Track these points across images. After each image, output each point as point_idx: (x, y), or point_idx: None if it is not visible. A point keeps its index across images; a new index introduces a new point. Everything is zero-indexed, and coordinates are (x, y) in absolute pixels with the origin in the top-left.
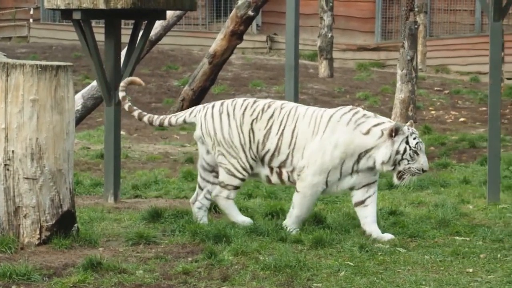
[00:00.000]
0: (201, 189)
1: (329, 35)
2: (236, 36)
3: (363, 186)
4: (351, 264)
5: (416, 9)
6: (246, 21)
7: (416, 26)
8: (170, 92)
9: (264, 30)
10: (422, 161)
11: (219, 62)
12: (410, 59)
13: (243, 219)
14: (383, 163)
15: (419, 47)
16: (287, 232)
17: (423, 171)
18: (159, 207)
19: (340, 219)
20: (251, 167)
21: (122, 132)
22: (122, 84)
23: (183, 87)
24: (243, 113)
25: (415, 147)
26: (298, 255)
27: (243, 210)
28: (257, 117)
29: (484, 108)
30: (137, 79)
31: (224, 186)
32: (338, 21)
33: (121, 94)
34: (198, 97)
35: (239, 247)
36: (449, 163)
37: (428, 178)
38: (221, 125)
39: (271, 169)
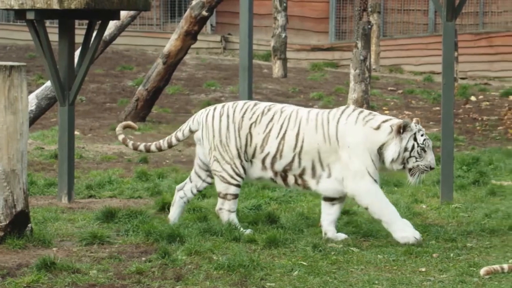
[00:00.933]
0: (191, 181)
1: (283, 35)
2: (190, 36)
3: None
4: (305, 263)
5: (370, 9)
6: (200, 21)
7: (369, 26)
8: (124, 92)
9: (219, 30)
10: (430, 158)
11: (173, 62)
12: (363, 59)
13: (245, 232)
14: (392, 161)
15: (373, 47)
16: (410, 247)
17: (431, 168)
18: (113, 207)
19: (294, 218)
20: (245, 171)
21: (76, 132)
22: (118, 129)
23: (137, 87)
24: (243, 116)
25: (422, 144)
26: (251, 254)
27: (197, 210)
28: (256, 121)
29: (437, 108)
30: (132, 124)
31: (223, 196)
32: (292, 21)
33: (120, 137)
34: (152, 97)
35: (193, 247)
36: None
37: (382, 177)
38: (219, 128)
39: (275, 173)
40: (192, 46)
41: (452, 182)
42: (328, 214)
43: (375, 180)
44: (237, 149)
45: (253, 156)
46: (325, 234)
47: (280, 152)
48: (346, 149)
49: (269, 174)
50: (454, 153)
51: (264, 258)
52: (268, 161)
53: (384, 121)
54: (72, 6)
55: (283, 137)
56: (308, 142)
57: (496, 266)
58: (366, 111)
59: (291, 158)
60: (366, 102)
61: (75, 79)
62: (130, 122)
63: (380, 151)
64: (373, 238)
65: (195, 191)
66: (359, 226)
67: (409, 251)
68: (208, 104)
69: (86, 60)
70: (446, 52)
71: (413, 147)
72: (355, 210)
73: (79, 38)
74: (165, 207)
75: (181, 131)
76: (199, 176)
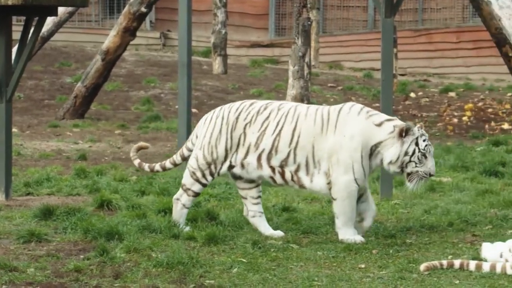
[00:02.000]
0: (245, 198)
1: (223, 31)
2: (129, 32)
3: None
4: (244, 260)
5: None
6: (139, 18)
7: (309, 23)
8: (63, 89)
9: (158, 27)
10: (430, 165)
11: (112, 59)
12: (302, 55)
13: (186, 229)
14: (390, 162)
15: (312, 44)
16: (352, 244)
17: (430, 175)
18: (51, 204)
19: (233, 215)
20: (218, 173)
21: (14, 129)
22: (132, 154)
23: (76, 84)
24: (237, 118)
25: (424, 150)
26: (190, 252)
27: (136, 208)
28: (251, 121)
29: (377, 104)
30: (143, 144)
31: (186, 190)
32: (232, 18)
33: (136, 162)
34: (91, 94)
35: (132, 244)
36: None
37: None
38: (212, 129)
39: (273, 169)
40: (131, 42)
41: (391, 179)
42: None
43: (355, 180)
44: (226, 150)
45: (246, 155)
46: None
47: (276, 148)
48: (340, 137)
49: (266, 171)
50: None
51: (203, 255)
52: (263, 157)
53: (388, 120)
54: (9, 2)
55: (279, 133)
56: (304, 136)
57: (435, 262)
58: (369, 108)
59: (286, 154)
60: (306, 99)
61: (12, 76)
62: (141, 144)
63: (374, 148)
64: (313, 235)
65: (255, 201)
66: (299, 222)
67: (348, 247)
68: (148, 100)
69: (23, 56)
70: (385, 49)
71: (414, 152)
72: (295, 206)
73: (16, 35)
74: (103, 205)
75: (190, 141)
76: (243, 189)
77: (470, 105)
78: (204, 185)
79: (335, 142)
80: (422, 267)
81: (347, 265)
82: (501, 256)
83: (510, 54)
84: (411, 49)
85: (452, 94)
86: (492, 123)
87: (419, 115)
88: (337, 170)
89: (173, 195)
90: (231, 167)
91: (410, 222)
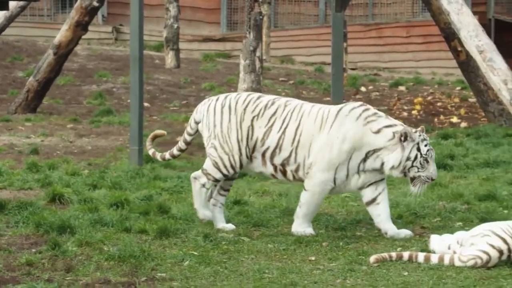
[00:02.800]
0: (215, 185)
1: (175, 26)
2: (81, 27)
3: (371, 184)
4: (196, 253)
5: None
6: (91, 12)
7: (260, 17)
8: (15, 83)
9: (110, 21)
10: (432, 169)
11: (64, 53)
12: (253, 49)
13: (204, 212)
14: (392, 168)
15: (264, 38)
16: (302, 237)
17: (432, 179)
18: (3, 198)
19: (185, 209)
20: (241, 166)
21: None
22: (148, 143)
23: (28, 78)
24: (245, 109)
25: (426, 155)
26: (142, 245)
27: (88, 201)
28: (258, 114)
29: (328, 98)
30: (159, 132)
31: (206, 174)
32: (184, 12)
33: (150, 152)
34: (43, 88)
35: (83, 238)
36: None
37: None
38: (221, 119)
39: (275, 167)
40: (83, 37)
41: None
42: (378, 215)
43: (334, 179)
44: (238, 142)
45: (254, 150)
46: (386, 233)
47: (280, 146)
48: (332, 137)
49: (269, 169)
50: None
51: (155, 249)
52: (268, 155)
53: (386, 126)
54: None
55: (284, 132)
56: (305, 135)
57: (385, 254)
58: (372, 110)
59: (289, 153)
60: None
61: None
62: (156, 132)
63: (372, 153)
64: (264, 228)
65: (222, 192)
66: (250, 215)
67: (299, 240)
68: (100, 95)
69: None
70: (335, 43)
71: (415, 157)
72: (246, 200)
73: None
74: (55, 198)
75: (189, 125)
76: None
77: (420, 99)
78: (225, 176)
79: (327, 142)
80: (372, 259)
81: (297, 257)
82: (449, 248)
83: (459, 49)
84: (362, 43)
85: (402, 88)
86: (441, 117)
87: None
88: (320, 165)
89: (124, 189)
90: (247, 157)
91: (360, 215)
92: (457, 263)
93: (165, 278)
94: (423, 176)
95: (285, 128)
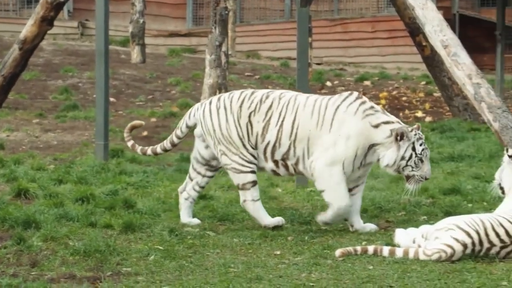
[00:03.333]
0: (191, 179)
1: (141, 21)
2: (46, 22)
3: None
4: (161, 248)
5: None
6: (56, 7)
7: (226, 12)
8: None
9: (76, 16)
10: (426, 169)
11: (29, 48)
12: (219, 44)
13: (272, 221)
14: (387, 166)
15: (229, 33)
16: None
17: (426, 179)
18: None
19: (151, 203)
20: (254, 157)
21: None
22: (125, 134)
23: None
24: (240, 106)
25: (420, 154)
26: (107, 240)
27: (53, 196)
28: (255, 109)
29: None
30: (137, 122)
31: (242, 187)
32: (150, 7)
33: (129, 143)
34: (8, 84)
35: (49, 233)
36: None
37: None
38: (219, 121)
39: (276, 162)
40: (49, 32)
41: None
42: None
43: (344, 172)
44: (240, 139)
45: (256, 146)
46: (352, 225)
47: (279, 140)
48: (335, 135)
49: (270, 165)
50: None
51: (120, 243)
52: (268, 151)
53: (385, 122)
54: None
55: (281, 125)
56: (301, 128)
57: (350, 248)
58: (368, 104)
59: (287, 147)
60: (224, 87)
61: None
62: (134, 123)
63: (372, 147)
64: (229, 222)
65: (197, 188)
66: (216, 210)
67: (264, 234)
68: (66, 90)
69: None
70: (301, 38)
71: (410, 157)
72: (211, 194)
73: None
74: (21, 193)
75: (179, 129)
76: (198, 173)
77: (385, 93)
78: (252, 172)
79: (327, 141)
80: (337, 253)
81: (262, 251)
82: (414, 242)
83: (424, 44)
84: (327, 38)
85: (367, 82)
86: (406, 111)
87: None
88: (325, 163)
89: (90, 184)
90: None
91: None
92: (422, 256)
93: (130, 273)
94: (417, 176)
95: (282, 122)
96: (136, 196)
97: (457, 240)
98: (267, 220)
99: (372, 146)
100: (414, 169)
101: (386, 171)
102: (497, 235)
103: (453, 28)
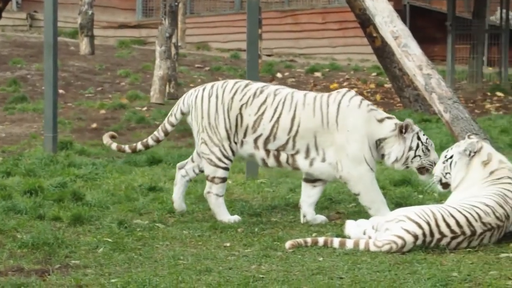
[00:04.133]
0: (193, 161)
1: (90, 12)
2: None
3: None
4: (110, 240)
5: None
6: None
7: (176, 4)
8: None
9: (24, 8)
10: (434, 156)
11: None
12: (169, 36)
13: (230, 218)
14: (396, 160)
15: (179, 25)
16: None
17: (434, 163)
18: None
19: (100, 196)
20: (233, 153)
21: None
22: (105, 141)
23: None
24: (232, 98)
25: (426, 143)
26: (56, 232)
27: (1, 189)
28: (247, 102)
29: None
30: (112, 133)
31: (212, 179)
32: None
33: (114, 146)
34: None
35: None
36: None
37: (188, 154)
38: (208, 109)
39: (268, 151)
40: None
41: None
42: (309, 197)
43: (371, 168)
44: (226, 131)
45: (245, 135)
46: (304, 216)
47: (274, 134)
48: (344, 132)
49: (261, 154)
50: None
51: (69, 236)
52: (260, 141)
53: (388, 117)
54: None
55: (277, 121)
56: (304, 126)
57: (300, 240)
58: (367, 101)
59: (285, 141)
60: (173, 79)
61: None
62: (110, 133)
63: (378, 143)
64: (179, 214)
65: (197, 170)
66: (165, 202)
67: (214, 226)
68: (14, 81)
69: None
70: (250, 29)
71: (417, 146)
72: (161, 186)
73: None
74: None
75: (173, 115)
76: (202, 157)
77: (335, 85)
78: (225, 169)
79: (340, 140)
80: (287, 244)
81: (212, 243)
82: (364, 233)
83: (374, 35)
84: (278, 29)
85: (318, 74)
86: None
87: None
88: (351, 165)
89: (38, 176)
90: (239, 144)
91: (276, 201)
92: (372, 248)
93: (79, 265)
94: (427, 164)
95: (278, 118)
96: (85, 189)
97: (407, 231)
98: (224, 217)
99: (379, 143)
100: (422, 158)
101: (394, 167)
102: (448, 226)
103: (403, 19)
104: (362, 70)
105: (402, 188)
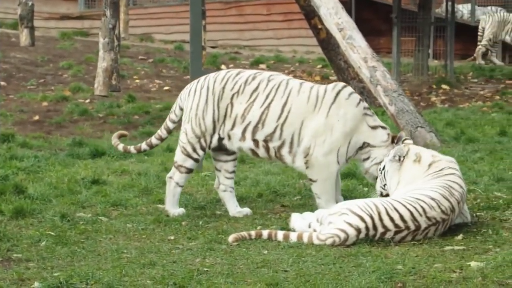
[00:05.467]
0: (219, 170)
1: (30, 3)
2: None
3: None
4: (53, 234)
5: None
6: None
7: None
8: None
9: None
10: None
11: None
12: (112, 27)
13: (175, 211)
14: (375, 165)
15: (122, 16)
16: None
17: None
18: None
19: (42, 189)
20: (210, 146)
21: None
22: (114, 141)
23: None
24: (223, 88)
25: None
26: None
27: None
28: (238, 91)
29: (188, 77)
30: (123, 132)
31: (178, 167)
32: None
33: (120, 147)
34: None
35: None
36: (154, 131)
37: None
38: (198, 101)
39: (256, 142)
40: None
41: None
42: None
43: (338, 162)
44: (214, 122)
45: (233, 126)
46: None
47: (263, 121)
48: (333, 120)
49: (248, 144)
50: None
51: (10, 229)
52: (249, 130)
53: (382, 127)
54: None
55: (268, 107)
56: (294, 113)
57: (244, 233)
58: (364, 102)
59: (273, 129)
60: (116, 71)
61: None
62: (120, 132)
63: (364, 146)
64: (122, 207)
65: (229, 175)
66: (108, 195)
67: (158, 219)
68: None
69: None
70: (194, 21)
71: None
72: (104, 179)
73: None
74: None
75: (173, 112)
76: (219, 160)
77: None
78: (196, 160)
79: (326, 125)
80: (231, 238)
81: (156, 237)
82: (309, 227)
83: (319, 27)
84: (222, 21)
85: (263, 66)
86: None
87: None
88: (320, 150)
89: None
90: (220, 139)
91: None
92: (316, 241)
93: (21, 259)
94: None
95: (269, 103)
96: (27, 182)
97: (350, 224)
98: (172, 208)
99: (367, 146)
100: None
101: (369, 171)
102: (391, 220)
103: (349, 11)
104: (307, 62)
105: (347, 181)
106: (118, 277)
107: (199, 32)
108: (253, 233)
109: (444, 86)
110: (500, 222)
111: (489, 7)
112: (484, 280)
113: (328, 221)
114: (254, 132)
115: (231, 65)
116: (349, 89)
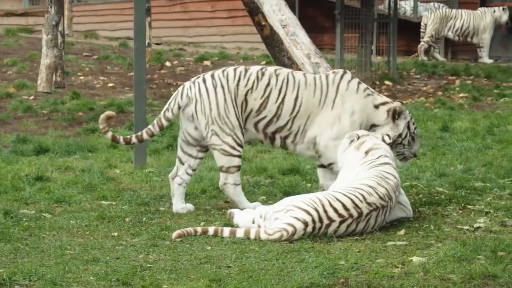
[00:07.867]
0: (182, 163)
1: None
2: None
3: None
4: None
5: None
6: None
7: None
8: None
9: None
10: (416, 147)
11: None
12: (55, 24)
13: (252, 205)
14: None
15: (66, 13)
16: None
17: (415, 156)
18: None
19: None
20: (243, 140)
21: None
22: (101, 125)
23: None
24: (237, 85)
25: (413, 133)
26: None
27: None
28: (252, 87)
29: (132, 73)
30: (110, 113)
31: (226, 170)
32: None
33: (109, 135)
34: None
35: None
36: (97, 128)
37: (76, 143)
38: (216, 100)
39: (265, 134)
40: None
41: (145, 147)
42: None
43: None
44: (237, 118)
45: (245, 121)
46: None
47: (279, 115)
48: (338, 112)
49: (259, 136)
50: (147, 118)
51: None
52: (262, 124)
53: (382, 103)
54: None
55: (282, 101)
56: (304, 106)
57: (189, 229)
58: (363, 84)
59: (285, 121)
60: (60, 68)
61: None
62: (108, 113)
63: (372, 128)
64: (66, 204)
65: (190, 171)
66: (52, 192)
67: (101, 216)
68: None
69: None
70: (138, 17)
71: (406, 135)
72: (48, 176)
73: None
74: None
75: (170, 110)
76: (190, 155)
77: None
78: (239, 157)
79: (334, 117)
80: (175, 234)
81: (100, 233)
82: (253, 222)
83: (263, 23)
84: (167, 18)
85: (207, 62)
86: None
87: (174, 83)
88: (328, 135)
89: None
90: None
91: (164, 190)
92: (263, 236)
93: None
94: (407, 153)
95: (283, 98)
96: None
97: (297, 218)
98: (246, 204)
99: (373, 127)
100: (405, 147)
101: None
102: (335, 210)
103: (292, 8)
104: (251, 59)
105: (290, 177)
106: (62, 274)
107: (143, 29)
108: (199, 229)
109: (387, 82)
110: (442, 217)
111: (431, 4)
112: (426, 275)
113: (274, 217)
114: (267, 125)
115: (175, 62)
116: (346, 77)
